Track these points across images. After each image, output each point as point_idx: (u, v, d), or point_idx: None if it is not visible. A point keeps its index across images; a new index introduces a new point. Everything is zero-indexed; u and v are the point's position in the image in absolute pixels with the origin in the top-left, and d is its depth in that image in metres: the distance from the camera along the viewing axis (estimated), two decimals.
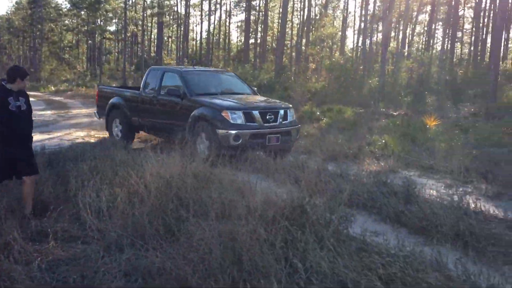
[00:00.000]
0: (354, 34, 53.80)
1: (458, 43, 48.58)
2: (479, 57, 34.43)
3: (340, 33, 47.34)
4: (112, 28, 58.73)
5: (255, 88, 10.80)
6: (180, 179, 5.30)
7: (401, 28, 40.85)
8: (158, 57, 45.34)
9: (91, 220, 4.60)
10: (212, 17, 57.42)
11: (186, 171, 5.56)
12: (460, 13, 42.22)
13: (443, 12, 43.92)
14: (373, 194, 6.10)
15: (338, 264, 3.58)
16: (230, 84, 10.50)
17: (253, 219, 4.10)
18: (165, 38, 61.67)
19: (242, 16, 56.39)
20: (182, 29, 51.48)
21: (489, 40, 31.49)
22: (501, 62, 25.33)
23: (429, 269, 3.80)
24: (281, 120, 8.76)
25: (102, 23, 53.93)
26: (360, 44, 42.23)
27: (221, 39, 59.60)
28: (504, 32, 30.49)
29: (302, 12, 49.65)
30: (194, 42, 65.36)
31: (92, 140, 10.70)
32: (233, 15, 62.44)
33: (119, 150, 7.57)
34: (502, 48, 25.68)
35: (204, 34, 56.41)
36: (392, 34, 44.95)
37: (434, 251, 4.20)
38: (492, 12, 34.93)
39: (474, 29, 38.23)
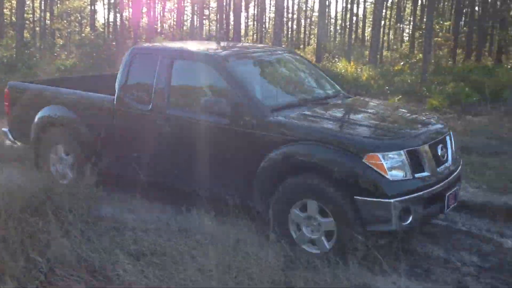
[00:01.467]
0: (104, 8, 51.84)
1: (206, 20, 51.59)
2: (224, 33, 37.22)
3: (89, 7, 45.00)
4: None
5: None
6: None
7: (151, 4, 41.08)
8: None
9: None
10: None
11: None
12: None
13: None
14: None
15: (83, 249, 3.44)
16: (308, 78, 5.53)
17: None
18: None
19: None
20: None
21: (232, 18, 34.24)
22: (243, 39, 27.90)
23: (178, 237, 3.98)
24: (452, 155, 4.38)
25: None
26: (111, 19, 41.09)
27: None
28: (244, 10, 33.58)
29: None
30: None
31: None
32: None
33: None
34: (243, 25, 28.29)
35: None
36: (144, 10, 44.99)
37: (183, 218, 4.42)
38: None
39: (218, 7, 40.98)
